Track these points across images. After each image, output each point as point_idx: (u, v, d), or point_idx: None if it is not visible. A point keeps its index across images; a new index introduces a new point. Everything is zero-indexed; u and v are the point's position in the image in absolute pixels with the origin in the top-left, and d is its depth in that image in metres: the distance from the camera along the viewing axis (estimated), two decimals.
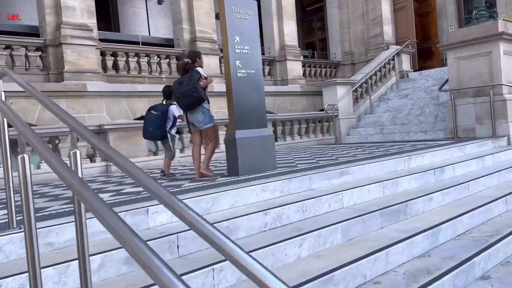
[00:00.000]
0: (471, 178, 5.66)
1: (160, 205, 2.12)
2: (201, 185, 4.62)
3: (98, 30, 11.66)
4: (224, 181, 4.85)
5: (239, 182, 4.64)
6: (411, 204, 4.49)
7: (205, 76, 5.45)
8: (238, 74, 5.27)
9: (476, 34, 8.92)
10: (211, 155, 5.55)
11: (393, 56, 14.04)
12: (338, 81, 12.02)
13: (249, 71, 5.37)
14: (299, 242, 3.42)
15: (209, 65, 11.31)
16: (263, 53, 13.67)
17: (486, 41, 8.79)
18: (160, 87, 10.98)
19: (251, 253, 1.51)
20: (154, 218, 3.47)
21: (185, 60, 5.58)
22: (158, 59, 10.87)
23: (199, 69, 5.45)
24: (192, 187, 4.57)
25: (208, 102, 5.41)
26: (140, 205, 3.53)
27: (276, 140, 10.49)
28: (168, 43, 12.15)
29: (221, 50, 12.39)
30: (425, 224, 4.07)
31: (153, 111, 5.98)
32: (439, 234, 3.94)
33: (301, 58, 13.79)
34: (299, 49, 13.82)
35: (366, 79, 12.90)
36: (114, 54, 10.16)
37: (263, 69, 13.29)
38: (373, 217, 4.05)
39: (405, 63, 14.49)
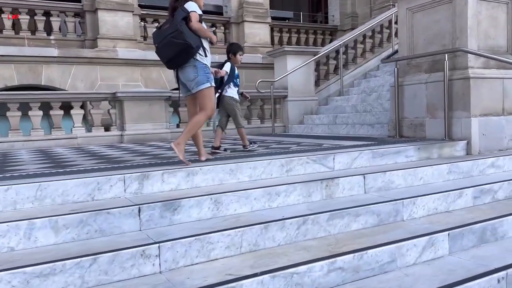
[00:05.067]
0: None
1: None
2: None
3: None
4: None
5: None
6: None
7: (200, 14, 3.80)
8: None
9: None
10: (195, 129, 3.87)
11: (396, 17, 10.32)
12: (287, 49, 8.86)
13: None
14: None
15: (117, 23, 8.94)
16: (219, 13, 10.91)
17: None
18: (46, 51, 8.89)
19: None
20: None
21: None
22: (47, 16, 8.74)
23: (190, 4, 3.78)
24: None
25: (205, 54, 3.82)
26: None
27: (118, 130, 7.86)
28: None
29: (141, 6, 9.95)
30: None
31: None
32: None
33: (269, 20, 10.70)
34: (266, 8, 10.73)
35: (342, 48, 9.52)
36: None
37: (214, 32, 10.52)
38: None
39: None
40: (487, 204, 3.90)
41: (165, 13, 9.81)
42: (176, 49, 3.64)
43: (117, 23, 8.88)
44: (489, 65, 5.27)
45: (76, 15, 9.10)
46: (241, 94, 5.54)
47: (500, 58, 5.07)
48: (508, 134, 5.32)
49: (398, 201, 3.44)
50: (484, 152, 5.07)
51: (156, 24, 9.83)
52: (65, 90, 8.27)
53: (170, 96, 7.56)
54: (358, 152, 4.30)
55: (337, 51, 9.56)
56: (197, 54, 3.74)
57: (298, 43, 11.65)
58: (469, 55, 5.10)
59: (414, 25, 5.80)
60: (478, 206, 3.82)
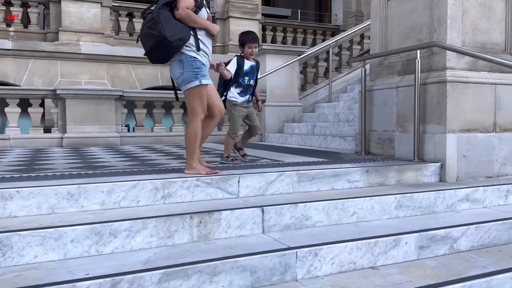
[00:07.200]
0: None
1: None
2: None
3: None
4: None
5: None
6: None
7: (194, 1, 3.13)
8: None
9: None
10: (195, 142, 3.22)
11: None
12: (265, 47, 7.83)
13: None
14: None
15: (83, 15, 8.16)
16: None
17: None
18: (24, 45, 8.28)
19: None
20: None
21: None
22: (7, 6, 8.07)
23: None
24: None
25: (198, 48, 3.13)
26: None
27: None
28: None
29: None
30: None
31: None
32: None
33: (258, 17, 9.70)
34: (256, 3, 9.73)
35: (334, 49, 8.42)
36: None
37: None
38: None
39: None
40: (440, 257, 2.75)
41: (141, 6, 9.00)
42: (152, 42, 3.07)
43: (83, 15, 8.11)
44: (477, 67, 4.09)
45: (43, 5, 8.38)
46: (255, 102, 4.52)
47: (491, 57, 3.87)
48: (500, 156, 4.12)
49: (288, 250, 2.36)
50: (465, 180, 3.90)
51: (130, 18, 9.05)
52: (19, 86, 7.54)
53: (122, 95, 6.67)
54: (278, 174, 3.24)
55: (328, 52, 8.46)
56: (184, 47, 3.10)
57: (294, 43, 10.58)
58: (448, 52, 3.95)
59: (389, 16, 4.69)
60: (424, 260, 2.69)
